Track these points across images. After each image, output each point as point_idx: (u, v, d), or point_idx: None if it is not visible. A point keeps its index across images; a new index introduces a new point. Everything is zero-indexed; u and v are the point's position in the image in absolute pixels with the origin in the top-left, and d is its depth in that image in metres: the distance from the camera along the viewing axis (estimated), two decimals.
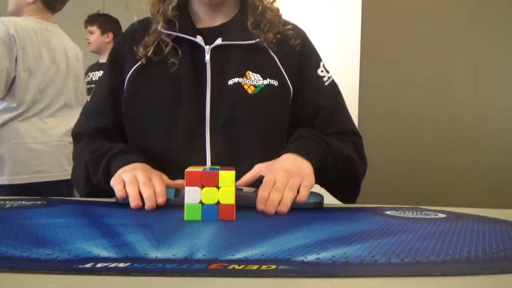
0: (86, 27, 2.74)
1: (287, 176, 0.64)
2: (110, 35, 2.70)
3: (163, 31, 0.79)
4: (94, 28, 2.69)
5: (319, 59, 0.85)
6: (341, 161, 0.76)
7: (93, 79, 2.71)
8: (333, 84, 0.84)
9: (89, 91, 2.75)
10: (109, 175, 0.70)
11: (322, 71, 0.84)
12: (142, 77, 0.80)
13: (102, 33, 2.69)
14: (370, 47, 2.56)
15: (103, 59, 2.72)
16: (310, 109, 0.81)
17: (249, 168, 0.75)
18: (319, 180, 0.72)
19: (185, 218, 0.53)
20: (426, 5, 2.78)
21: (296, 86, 0.81)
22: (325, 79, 0.83)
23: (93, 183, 0.76)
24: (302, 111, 0.81)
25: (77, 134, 0.83)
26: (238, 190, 0.65)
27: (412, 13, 2.79)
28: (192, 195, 0.53)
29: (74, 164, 0.83)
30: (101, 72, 2.73)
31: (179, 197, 0.63)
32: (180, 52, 0.78)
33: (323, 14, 2.32)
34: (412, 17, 2.79)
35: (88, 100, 0.87)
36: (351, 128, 0.84)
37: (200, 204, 0.53)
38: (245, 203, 0.62)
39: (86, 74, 2.76)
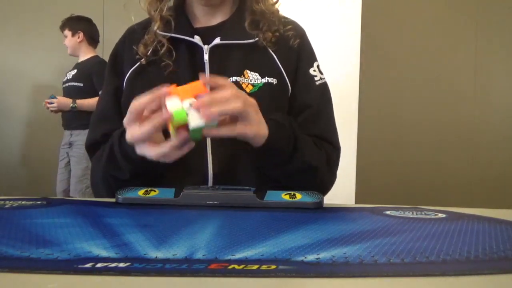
0: (63, 33, 2.81)
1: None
2: (81, 35, 2.76)
3: (159, 32, 0.78)
4: (66, 31, 2.76)
5: (314, 59, 0.85)
6: (302, 166, 0.73)
7: (68, 78, 2.78)
8: (324, 86, 0.83)
9: (64, 91, 2.79)
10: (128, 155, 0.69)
11: (314, 71, 0.83)
12: (140, 78, 0.79)
13: (73, 34, 2.75)
14: (370, 47, 2.56)
15: (80, 59, 2.80)
16: (297, 106, 0.81)
17: (250, 168, 0.75)
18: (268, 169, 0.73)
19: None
20: (426, 5, 2.78)
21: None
22: (316, 78, 0.82)
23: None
24: (290, 108, 0.81)
25: (88, 146, 0.82)
26: (236, 190, 0.64)
27: (412, 13, 2.79)
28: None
29: (92, 181, 0.82)
30: (75, 70, 2.77)
31: (179, 197, 0.63)
32: (177, 53, 0.78)
33: (323, 13, 2.31)
34: (412, 17, 2.79)
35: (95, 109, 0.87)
36: (330, 137, 0.82)
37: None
38: (244, 203, 0.62)
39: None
